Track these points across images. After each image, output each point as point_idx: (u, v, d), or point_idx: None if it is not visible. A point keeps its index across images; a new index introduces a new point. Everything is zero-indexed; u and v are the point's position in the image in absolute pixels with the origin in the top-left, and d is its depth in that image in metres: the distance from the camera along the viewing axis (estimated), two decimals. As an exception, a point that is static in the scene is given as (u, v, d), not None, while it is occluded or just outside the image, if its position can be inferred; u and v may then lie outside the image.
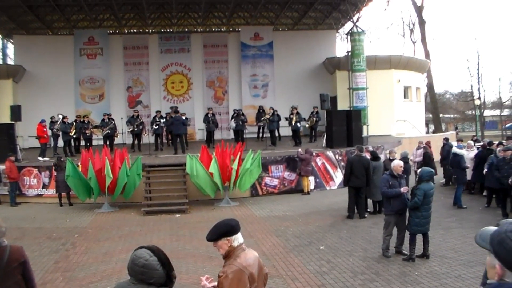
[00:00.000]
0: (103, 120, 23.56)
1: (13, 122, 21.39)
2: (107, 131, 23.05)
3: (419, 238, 9.95)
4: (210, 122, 24.64)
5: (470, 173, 17.30)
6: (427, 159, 18.78)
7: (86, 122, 23.29)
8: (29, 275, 5.13)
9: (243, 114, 25.24)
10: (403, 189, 9.96)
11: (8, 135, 20.49)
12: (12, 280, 4.93)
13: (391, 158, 15.24)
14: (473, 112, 52.51)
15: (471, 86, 56.06)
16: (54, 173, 18.64)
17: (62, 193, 18.23)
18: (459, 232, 12.09)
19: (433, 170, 10.11)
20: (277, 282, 8.84)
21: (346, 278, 9.00)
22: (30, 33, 33.10)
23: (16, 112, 21.44)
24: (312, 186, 19.43)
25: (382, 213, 14.30)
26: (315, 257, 10.46)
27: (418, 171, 10.34)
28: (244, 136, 23.76)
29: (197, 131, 30.03)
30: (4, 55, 39.20)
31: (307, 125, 24.88)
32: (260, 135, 27.07)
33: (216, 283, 4.20)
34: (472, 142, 18.67)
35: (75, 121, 23.41)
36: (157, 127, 23.56)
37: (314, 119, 24.84)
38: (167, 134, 25.48)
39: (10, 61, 36.13)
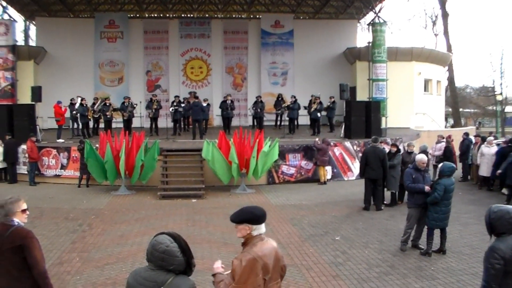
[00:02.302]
0: (123, 103, 23.63)
1: (33, 103, 21.53)
2: (129, 113, 23.14)
3: (436, 233, 9.87)
4: (229, 109, 24.61)
5: (489, 169, 17.15)
6: (448, 154, 18.59)
7: (107, 104, 23.36)
8: (31, 261, 4.91)
9: (261, 101, 25.20)
10: (427, 189, 9.86)
11: (29, 116, 20.68)
12: (8, 261, 4.87)
13: (409, 151, 15.12)
14: (494, 107, 51.99)
15: (493, 81, 55.46)
16: (73, 154, 18.85)
17: (84, 175, 18.41)
18: (477, 229, 11.93)
19: (454, 166, 10.01)
20: (291, 271, 8.81)
21: (361, 270, 8.96)
22: (52, 15, 33.22)
23: (36, 93, 21.55)
24: (329, 176, 19.38)
25: (398, 205, 14.36)
26: (330, 247, 10.43)
27: (439, 165, 10.21)
28: (263, 124, 23.91)
29: (215, 117, 29.96)
30: (26, 36, 39.43)
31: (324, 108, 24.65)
32: (278, 123, 27.01)
33: (225, 272, 4.28)
34: (492, 138, 18.45)
35: (93, 104, 23.48)
36: (174, 111, 23.58)
37: (329, 105, 24.67)
38: (185, 119, 25.55)
39: (32, 43, 36.33)
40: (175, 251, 3.57)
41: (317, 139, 19.26)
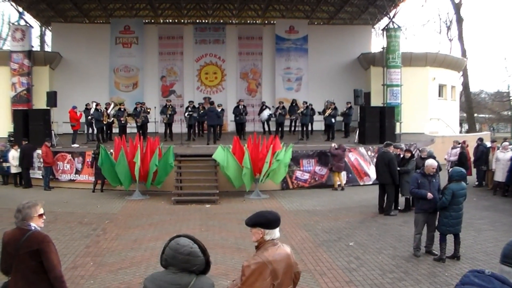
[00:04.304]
0: (135, 109, 23.75)
1: (48, 108, 21.74)
2: (142, 118, 23.25)
3: (450, 238, 9.82)
4: (242, 114, 24.67)
5: (504, 175, 17.06)
6: (463, 159, 18.53)
7: (122, 109, 23.50)
8: (47, 265, 4.96)
9: (283, 107, 25.30)
10: (429, 196, 9.89)
11: (44, 120, 20.87)
12: (25, 265, 4.93)
13: (422, 156, 15.06)
14: (509, 112, 51.57)
15: (508, 86, 55.03)
16: (88, 159, 19.03)
17: (99, 180, 18.55)
18: (491, 235, 11.89)
19: (463, 170, 9.95)
20: (305, 277, 8.80)
21: (374, 275, 8.95)
22: (67, 21, 33.55)
23: (52, 98, 21.78)
24: (345, 181, 19.33)
25: (411, 210, 14.28)
26: (344, 253, 10.42)
27: (449, 170, 10.20)
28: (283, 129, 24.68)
29: (229, 123, 30.02)
30: (42, 42, 39.78)
31: (339, 114, 24.63)
32: (292, 128, 27.03)
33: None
34: (507, 143, 18.32)
35: (106, 108, 23.54)
36: (188, 116, 23.68)
37: (345, 111, 24.65)
38: (199, 125, 25.63)
39: (48, 48, 36.68)
40: (198, 251, 3.67)
41: (332, 145, 19.19)
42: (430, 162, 10.50)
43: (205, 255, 3.71)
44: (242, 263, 4.22)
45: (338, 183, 19.07)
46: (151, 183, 17.52)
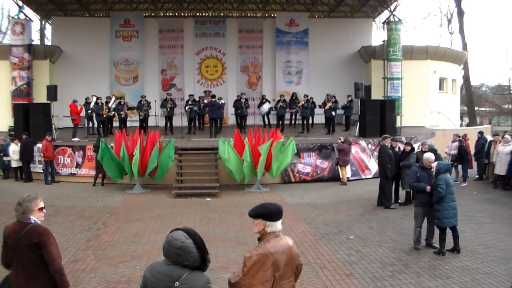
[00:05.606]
0: (140, 102, 23.79)
1: (49, 102, 21.73)
2: (145, 112, 23.28)
3: (449, 232, 9.81)
4: (243, 107, 24.63)
5: (504, 168, 17.03)
6: (462, 152, 18.51)
7: (122, 103, 23.50)
8: (47, 258, 4.97)
9: (284, 100, 25.27)
10: (428, 189, 9.91)
11: (44, 114, 20.86)
12: (26, 259, 4.94)
13: (423, 150, 15.04)
14: (510, 106, 51.44)
15: (509, 79, 54.89)
16: (89, 153, 19.01)
17: (99, 174, 18.52)
18: (491, 228, 11.89)
19: (449, 164, 10.06)
20: (305, 270, 8.77)
21: (375, 268, 8.95)
22: (67, 15, 33.57)
23: (52, 92, 21.78)
24: (348, 175, 19.29)
25: (412, 204, 14.28)
26: (344, 246, 10.42)
27: (434, 164, 10.21)
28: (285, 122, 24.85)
29: (229, 116, 29.99)
30: (42, 36, 39.75)
31: (339, 107, 24.56)
32: (293, 121, 27.01)
33: None
34: (509, 137, 18.26)
35: (106, 102, 23.51)
36: (189, 110, 23.67)
37: (346, 104, 24.61)
38: (200, 118, 25.63)
39: (48, 42, 36.64)
40: (191, 247, 3.64)
41: (339, 140, 18.99)
42: (427, 155, 10.53)
43: (200, 252, 3.69)
44: (244, 254, 4.25)
45: (348, 175, 19.05)
46: (151, 176, 17.54)
